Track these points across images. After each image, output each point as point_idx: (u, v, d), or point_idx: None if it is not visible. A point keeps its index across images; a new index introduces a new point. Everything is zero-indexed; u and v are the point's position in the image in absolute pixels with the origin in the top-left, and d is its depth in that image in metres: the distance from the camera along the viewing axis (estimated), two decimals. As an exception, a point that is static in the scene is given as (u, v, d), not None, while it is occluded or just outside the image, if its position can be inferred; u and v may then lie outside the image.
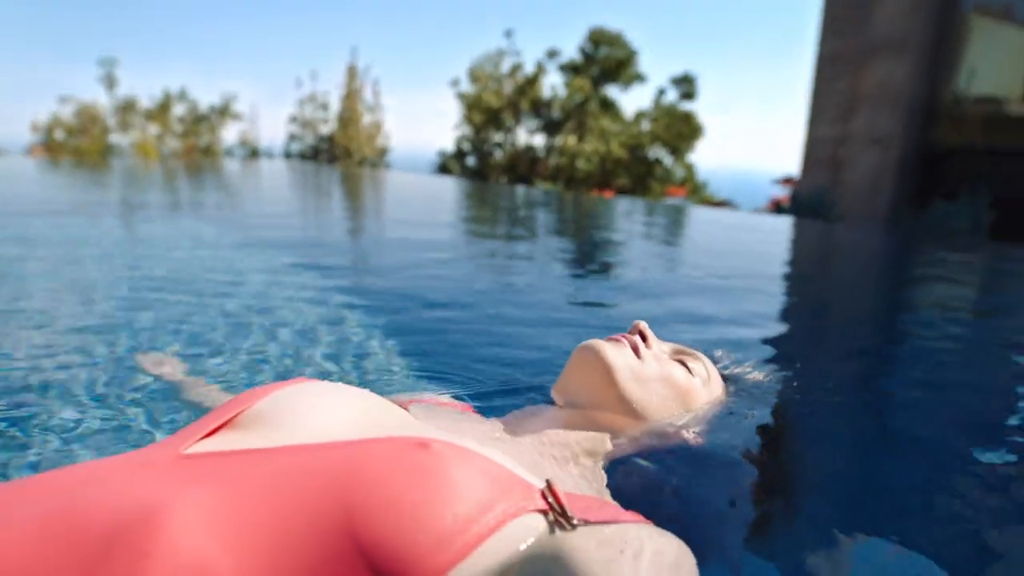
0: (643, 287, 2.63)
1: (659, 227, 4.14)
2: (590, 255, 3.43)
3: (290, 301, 2.03)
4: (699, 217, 4.74)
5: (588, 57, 16.56)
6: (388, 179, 7.79)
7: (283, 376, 1.31)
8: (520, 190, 6.76)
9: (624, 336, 0.81)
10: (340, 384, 0.72)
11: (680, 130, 14.57)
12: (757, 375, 0.95)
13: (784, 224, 4.54)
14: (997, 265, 3.62)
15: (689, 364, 0.84)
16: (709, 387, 0.85)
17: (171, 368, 1.30)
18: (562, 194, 8.89)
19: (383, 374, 1.41)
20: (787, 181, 7.68)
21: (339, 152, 14.99)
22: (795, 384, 1.01)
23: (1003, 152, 6.08)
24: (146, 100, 13.32)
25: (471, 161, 16.56)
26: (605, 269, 3.04)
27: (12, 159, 10.14)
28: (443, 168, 16.76)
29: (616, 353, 0.78)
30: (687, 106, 15.95)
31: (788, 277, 3.14)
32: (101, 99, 12.84)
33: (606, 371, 0.77)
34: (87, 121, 12.38)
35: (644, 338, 0.82)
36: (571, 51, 16.78)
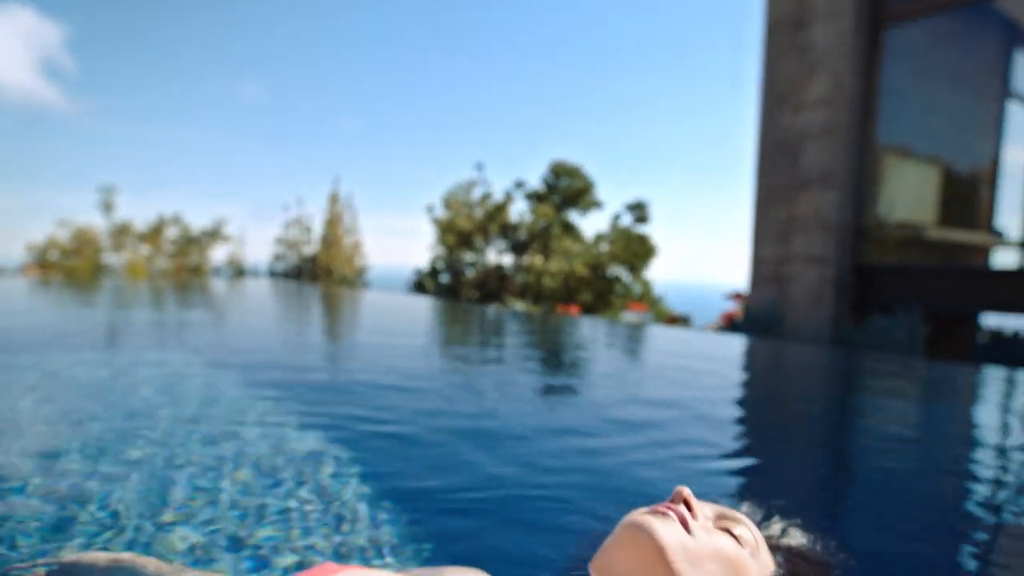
0: (614, 408, 2.56)
1: (622, 348, 4.13)
2: (558, 373, 3.41)
3: (260, 439, 1.81)
4: (660, 336, 4.75)
5: (551, 187, 17.37)
6: (366, 298, 7.81)
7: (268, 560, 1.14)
8: (491, 309, 6.78)
9: (670, 507, 0.73)
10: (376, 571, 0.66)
11: (636, 250, 15.13)
12: (797, 536, 0.83)
13: (737, 341, 4.59)
14: (932, 376, 3.73)
15: (735, 532, 0.75)
16: (759, 557, 0.76)
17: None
18: (531, 312, 9.01)
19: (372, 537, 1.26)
20: (737, 296, 7.97)
21: (321, 271, 15.12)
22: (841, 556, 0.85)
23: (927, 271, 6.46)
24: (141, 223, 13.42)
25: (445, 278, 16.81)
26: (571, 389, 2.97)
27: (4, 278, 9.97)
28: (419, 285, 16.95)
29: (667, 531, 0.70)
30: (641, 228, 16.66)
31: (750, 394, 3.15)
32: (98, 222, 12.88)
33: (659, 553, 0.68)
34: (82, 243, 12.35)
35: (689, 507, 0.74)
36: (535, 181, 17.61)
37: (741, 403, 2.74)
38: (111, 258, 12.97)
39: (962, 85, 7.01)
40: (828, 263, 6.45)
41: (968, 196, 6.96)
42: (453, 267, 16.48)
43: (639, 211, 16.80)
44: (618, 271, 15.59)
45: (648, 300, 14.74)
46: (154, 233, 13.44)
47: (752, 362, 3.92)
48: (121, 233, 13.08)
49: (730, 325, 5.80)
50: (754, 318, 5.54)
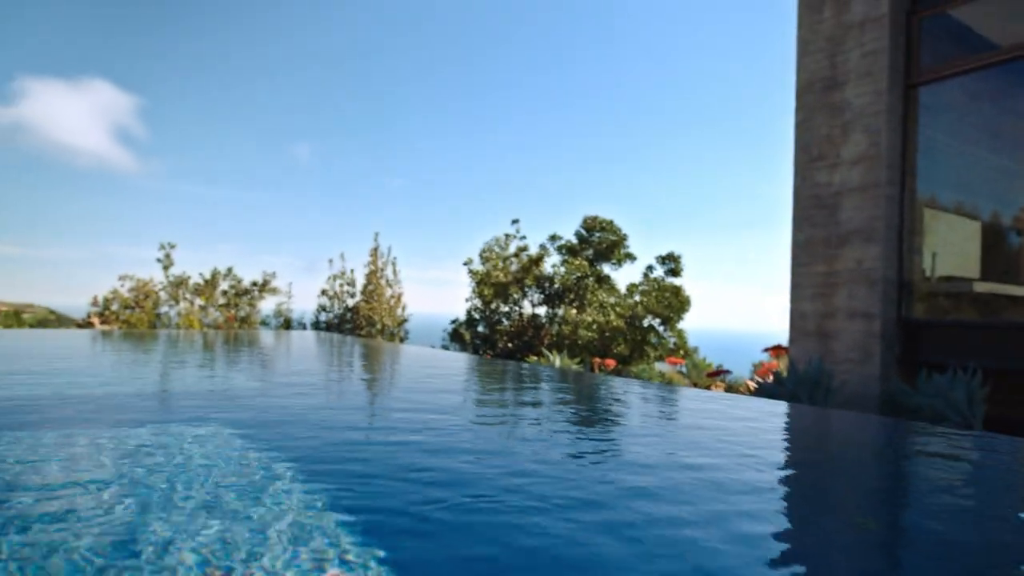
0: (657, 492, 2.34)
1: (661, 415, 3.88)
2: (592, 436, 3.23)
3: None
4: (701, 400, 4.47)
5: (584, 240, 17.34)
6: (405, 352, 7.72)
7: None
8: (528, 365, 6.59)
9: None
10: None
11: (670, 302, 14.88)
12: None
13: (780, 408, 4.29)
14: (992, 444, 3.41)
15: None
16: None
17: None
18: (568, 367, 8.81)
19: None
20: (776, 349, 7.67)
21: (362, 322, 15.19)
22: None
23: (978, 326, 6.13)
24: (196, 276, 13.76)
25: (481, 328, 16.74)
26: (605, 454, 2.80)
27: (68, 329, 10.22)
28: (455, 334, 16.91)
29: None
30: (674, 280, 16.44)
31: (796, 467, 2.91)
32: (158, 275, 13.25)
33: None
34: (142, 296, 12.66)
35: None
36: (569, 235, 17.62)
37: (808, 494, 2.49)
38: (168, 309, 13.28)
39: (1001, 140, 6.80)
40: (874, 317, 6.17)
41: (1012, 249, 6.65)
42: (489, 318, 16.41)
43: (672, 263, 16.62)
44: (652, 322, 15.32)
45: (683, 350, 14.40)
46: (208, 286, 13.74)
47: (814, 437, 3.65)
48: (178, 286, 13.40)
49: (775, 380, 5.53)
50: (800, 376, 5.26)
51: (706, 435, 3.02)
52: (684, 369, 11.39)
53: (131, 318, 12.43)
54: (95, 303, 12.51)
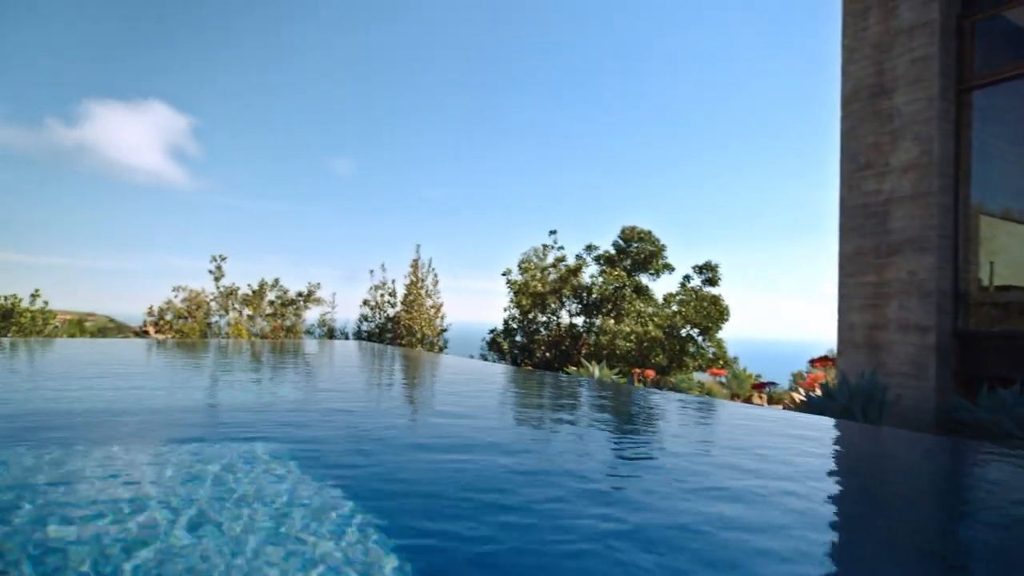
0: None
1: (706, 434, 3.72)
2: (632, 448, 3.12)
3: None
4: (749, 416, 4.28)
5: (621, 250, 17.16)
6: (450, 363, 7.70)
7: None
8: (567, 377, 6.48)
9: None
10: None
11: (709, 311, 14.57)
12: None
13: (840, 427, 4.07)
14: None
15: None
16: None
17: None
18: (607, 378, 8.66)
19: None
20: (823, 361, 7.38)
21: (403, 331, 15.27)
22: None
23: (1037, 338, 5.80)
24: (244, 287, 14.06)
25: (519, 338, 16.67)
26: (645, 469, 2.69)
27: (127, 339, 10.53)
28: (493, 343, 16.88)
29: None
30: (712, 290, 16.11)
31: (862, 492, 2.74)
32: (209, 286, 13.58)
33: None
34: (193, 307, 12.98)
35: None
36: (606, 246, 17.47)
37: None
38: (218, 319, 13.59)
39: (1060, 145, 6.45)
40: (928, 330, 5.89)
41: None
42: (527, 328, 16.34)
43: (710, 272, 16.31)
44: (690, 332, 15.02)
45: (723, 360, 14.08)
46: (256, 296, 14.02)
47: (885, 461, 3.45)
48: (227, 296, 13.71)
49: (825, 394, 5.31)
50: (852, 388, 5.04)
51: (774, 461, 2.88)
52: (724, 380, 11.11)
53: (184, 327, 12.75)
54: (151, 313, 12.89)
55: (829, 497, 2.26)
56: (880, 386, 5.01)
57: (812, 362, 8.01)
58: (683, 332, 14.77)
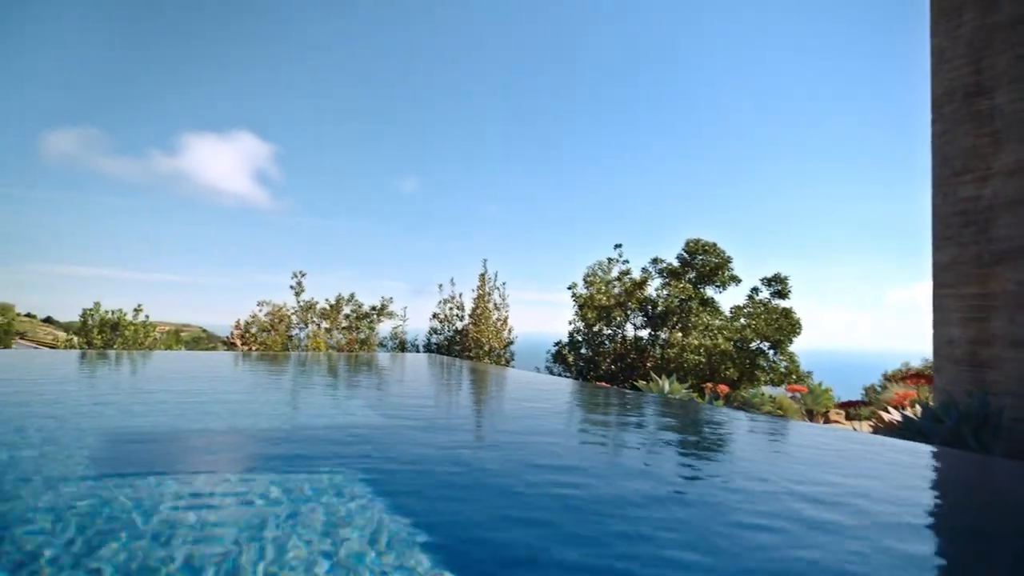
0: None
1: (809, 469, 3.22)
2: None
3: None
4: (860, 442, 3.79)
5: (686, 263, 16.56)
6: (523, 379, 7.49)
7: None
8: (635, 395, 6.14)
9: None
10: None
11: (781, 325, 13.79)
12: None
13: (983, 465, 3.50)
14: None
15: None
16: None
17: None
18: (675, 393, 8.24)
19: None
20: (917, 378, 6.70)
21: (471, 344, 15.21)
22: None
23: None
24: (321, 301, 14.37)
25: (584, 350, 16.31)
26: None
27: (218, 352, 10.89)
28: (559, 355, 16.58)
29: None
30: (782, 303, 15.28)
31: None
32: (289, 301, 13.95)
33: None
34: (276, 320, 13.35)
35: None
36: (670, 258, 16.91)
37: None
38: (298, 332, 13.93)
39: None
40: (1044, 347, 5.24)
41: None
42: (592, 340, 15.97)
43: (779, 285, 15.49)
44: (760, 345, 14.25)
45: (796, 375, 13.26)
46: (333, 310, 14.29)
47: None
48: (307, 311, 14.04)
49: (927, 416, 4.77)
50: (961, 411, 4.50)
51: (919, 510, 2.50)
52: (798, 396, 10.42)
53: (267, 340, 13.12)
54: (237, 327, 13.33)
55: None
56: (995, 409, 4.45)
57: (906, 379, 7.33)
58: (753, 345, 14.03)
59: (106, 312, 13.57)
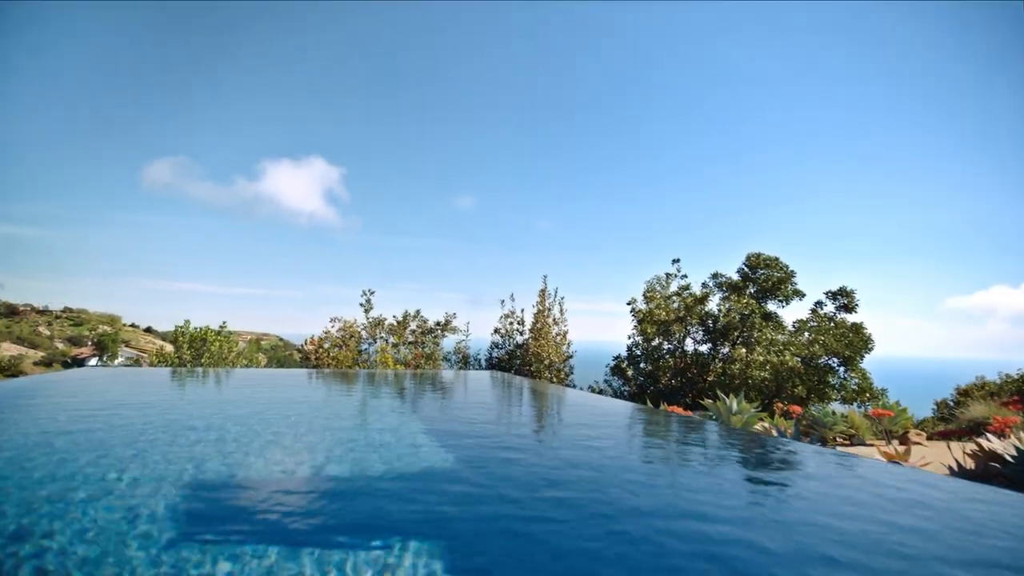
0: None
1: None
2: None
3: None
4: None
5: (747, 277, 15.79)
6: (593, 403, 7.13)
7: None
8: (699, 422, 5.66)
9: None
10: None
11: (851, 340, 12.86)
12: None
13: None
14: None
15: None
16: None
17: None
18: (744, 411, 7.67)
19: None
20: (1019, 398, 5.95)
21: (531, 359, 14.94)
22: None
23: None
24: (388, 315, 14.46)
25: (643, 364, 15.75)
26: None
27: (296, 370, 11.03)
28: (617, 368, 16.08)
29: None
30: (848, 317, 14.29)
31: None
32: (359, 317, 14.11)
33: None
34: (347, 336, 13.49)
35: None
36: (731, 272, 16.17)
37: None
38: (367, 347, 14.05)
39: None
40: None
41: None
42: (651, 356, 15.40)
43: (845, 298, 14.51)
44: (829, 361, 13.32)
45: (869, 393, 12.29)
46: (400, 326, 14.34)
47: None
48: (376, 326, 14.14)
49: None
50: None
51: None
52: (883, 420, 9.58)
53: (339, 355, 13.26)
54: (311, 343, 13.54)
55: None
56: None
57: (1010, 404, 6.54)
58: (820, 361, 13.14)
59: (195, 329, 14.12)
